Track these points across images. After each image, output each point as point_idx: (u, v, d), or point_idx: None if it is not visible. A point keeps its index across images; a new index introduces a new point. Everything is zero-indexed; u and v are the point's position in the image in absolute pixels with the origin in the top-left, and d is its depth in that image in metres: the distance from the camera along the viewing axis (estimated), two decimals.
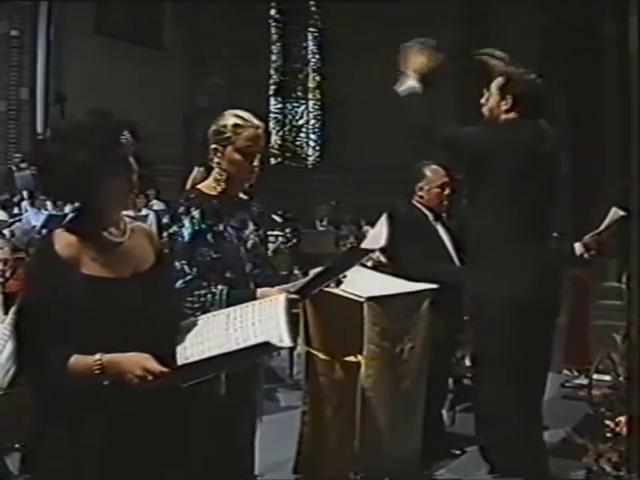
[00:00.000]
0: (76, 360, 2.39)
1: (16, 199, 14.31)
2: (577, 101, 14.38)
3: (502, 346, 4.38)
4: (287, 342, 2.51)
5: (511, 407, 4.45)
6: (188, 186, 3.71)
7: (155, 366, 2.35)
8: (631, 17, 3.77)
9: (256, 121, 3.54)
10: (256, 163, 3.52)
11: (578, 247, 5.22)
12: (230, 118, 3.51)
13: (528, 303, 4.33)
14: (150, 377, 2.34)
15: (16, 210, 13.86)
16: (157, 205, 15.27)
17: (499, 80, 4.46)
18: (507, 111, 4.42)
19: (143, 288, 2.55)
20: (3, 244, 6.92)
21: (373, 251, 3.47)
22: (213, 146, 3.51)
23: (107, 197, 2.51)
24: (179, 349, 2.53)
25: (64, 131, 2.56)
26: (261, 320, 2.61)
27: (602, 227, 5.18)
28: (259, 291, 3.35)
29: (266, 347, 2.43)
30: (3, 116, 16.27)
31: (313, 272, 3.35)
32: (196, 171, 3.71)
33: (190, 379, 2.43)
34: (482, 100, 4.53)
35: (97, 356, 2.37)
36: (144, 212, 14.88)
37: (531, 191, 4.37)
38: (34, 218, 12.61)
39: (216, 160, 3.51)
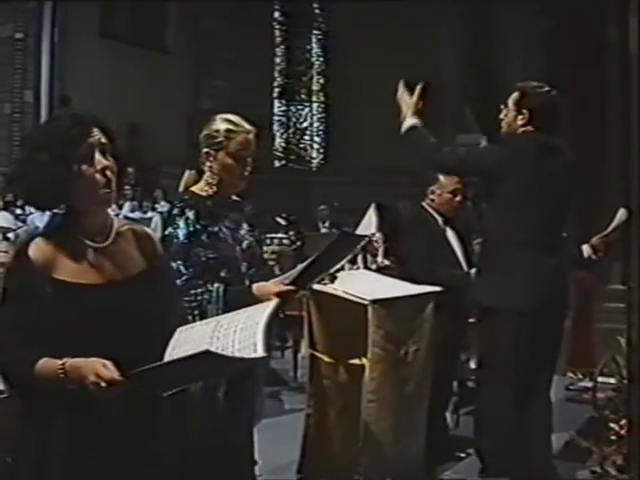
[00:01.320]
0: (44, 363, 2.37)
1: (20, 201, 14.30)
2: (580, 103, 14.36)
3: (507, 352, 4.39)
4: (260, 352, 2.39)
5: (511, 413, 4.46)
6: (181, 189, 3.73)
7: (107, 373, 2.30)
8: (631, 17, 3.76)
9: (247, 126, 3.57)
10: (248, 168, 3.55)
11: (586, 249, 5.25)
12: (222, 123, 3.55)
13: (535, 311, 4.35)
14: (103, 384, 2.29)
15: (19, 211, 13.86)
16: (163, 206, 15.26)
17: (515, 95, 4.55)
18: (524, 125, 4.48)
19: (124, 294, 2.52)
20: (8, 248, 6.91)
21: (364, 237, 3.48)
22: (205, 150, 3.54)
23: (79, 197, 2.49)
24: (166, 356, 2.45)
25: (27, 138, 2.60)
26: (243, 328, 2.51)
27: (610, 228, 5.20)
28: (255, 286, 3.35)
29: (210, 357, 2.27)
30: (7, 119, 16.27)
31: (306, 262, 3.32)
32: (188, 174, 3.73)
33: (156, 389, 2.38)
34: (501, 115, 4.59)
35: (63, 360, 2.35)
36: (149, 214, 14.90)
37: (542, 202, 4.41)
38: (38, 219, 12.62)
39: (208, 164, 3.54)
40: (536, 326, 4.36)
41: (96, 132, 2.50)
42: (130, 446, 2.49)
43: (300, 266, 3.31)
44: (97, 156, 2.47)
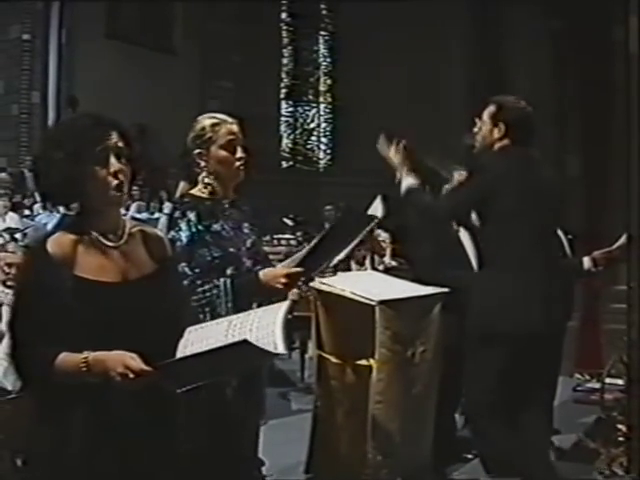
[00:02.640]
0: (64, 358, 2.39)
1: (28, 202, 14.35)
2: (587, 104, 14.35)
3: (496, 376, 4.35)
4: (281, 350, 2.47)
5: (504, 422, 4.44)
6: (177, 195, 3.78)
7: (136, 364, 2.34)
8: (631, 17, 3.75)
9: (229, 118, 3.67)
10: (241, 155, 3.60)
11: (587, 261, 5.30)
12: (205, 120, 3.65)
13: (531, 332, 4.31)
14: (131, 375, 2.33)
15: (27, 212, 13.90)
16: (168, 208, 15.29)
17: (491, 108, 4.49)
18: (500, 139, 4.45)
19: (137, 293, 2.55)
20: (15, 248, 6.92)
21: (371, 218, 3.49)
22: (197, 151, 3.61)
23: (93, 195, 2.51)
24: (178, 355, 2.51)
25: (45, 134, 2.62)
26: (259, 327, 2.58)
27: (615, 246, 5.27)
28: (262, 272, 3.43)
29: (246, 347, 2.35)
30: (15, 120, 16.30)
31: (312, 243, 3.34)
32: (182, 185, 3.78)
33: (179, 382, 2.42)
34: (474, 129, 4.55)
35: (85, 354, 2.38)
36: (156, 215, 14.92)
37: (531, 219, 4.38)
38: (46, 220, 12.64)
39: (202, 164, 3.60)
40: (528, 349, 4.32)
41: (114, 135, 2.53)
42: (143, 443, 2.52)
43: (305, 248, 3.34)
44: (112, 159, 2.50)
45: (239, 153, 3.60)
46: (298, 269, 3.24)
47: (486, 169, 4.48)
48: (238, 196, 3.73)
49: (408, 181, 4.52)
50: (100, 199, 2.53)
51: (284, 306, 2.78)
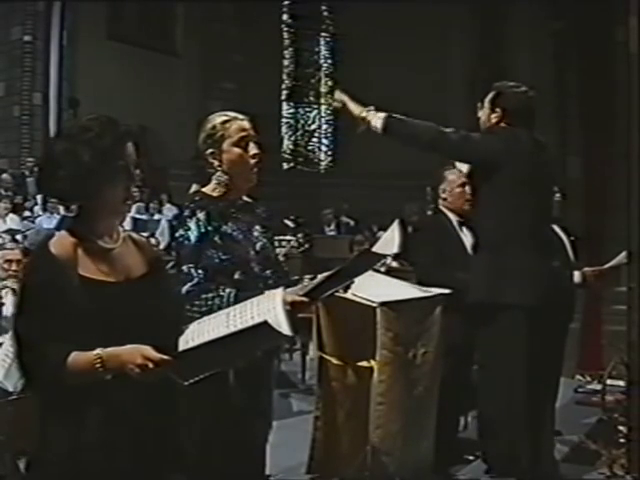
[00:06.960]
0: (75, 357, 2.39)
1: (28, 204, 14.36)
2: (589, 104, 14.35)
3: (505, 347, 4.38)
4: (286, 330, 2.54)
5: (516, 416, 4.45)
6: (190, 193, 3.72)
7: (155, 354, 2.35)
8: (631, 17, 3.75)
9: (240, 115, 3.58)
10: (255, 152, 3.51)
11: (577, 276, 5.31)
12: (215, 119, 3.55)
13: (532, 309, 4.33)
14: (151, 365, 2.34)
15: (27, 213, 13.92)
16: (169, 209, 15.31)
17: (491, 94, 4.62)
18: (497, 123, 4.55)
19: (136, 294, 2.57)
20: (14, 246, 6.93)
21: (386, 257, 3.43)
22: (210, 151, 3.50)
23: (103, 203, 2.55)
24: (180, 350, 2.54)
25: (69, 131, 2.61)
26: (259, 314, 2.64)
27: (606, 266, 5.32)
28: (266, 294, 3.33)
29: (265, 329, 2.40)
30: (16, 121, 16.32)
31: (323, 275, 3.31)
32: (194, 187, 3.71)
33: (192, 372, 2.43)
34: (479, 114, 4.64)
35: (97, 351, 2.38)
36: (156, 217, 14.94)
37: (531, 196, 4.42)
38: (46, 222, 12.66)
39: (216, 164, 3.50)
40: (533, 322, 4.34)
41: (132, 149, 2.58)
42: (152, 437, 2.54)
43: (317, 280, 3.26)
44: (132, 170, 2.58)
45: (253, 150, 3.50)
46: (303, 299, 3.17)
47: (496, 137, 4.56)
48: (252, 198, 3.66)
49: (381, 113, 4.57)
50: (111, 207, 2.58)
51: (279, 293, 2.85)
